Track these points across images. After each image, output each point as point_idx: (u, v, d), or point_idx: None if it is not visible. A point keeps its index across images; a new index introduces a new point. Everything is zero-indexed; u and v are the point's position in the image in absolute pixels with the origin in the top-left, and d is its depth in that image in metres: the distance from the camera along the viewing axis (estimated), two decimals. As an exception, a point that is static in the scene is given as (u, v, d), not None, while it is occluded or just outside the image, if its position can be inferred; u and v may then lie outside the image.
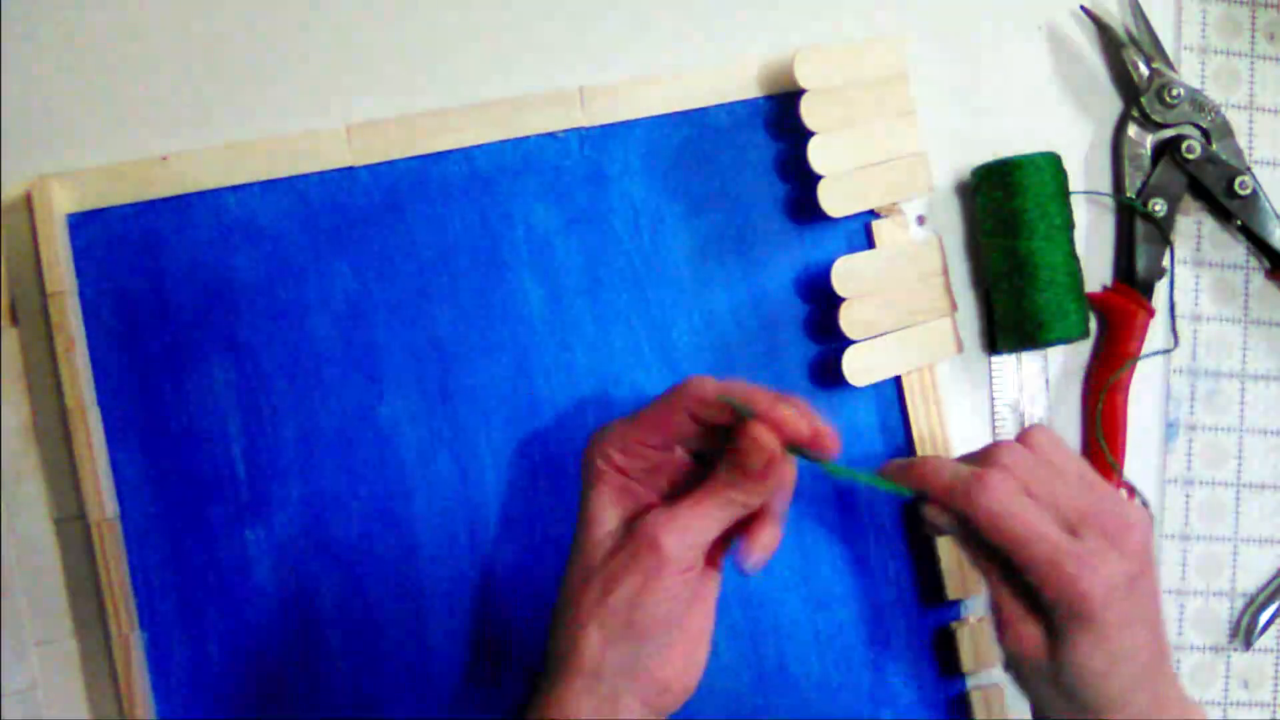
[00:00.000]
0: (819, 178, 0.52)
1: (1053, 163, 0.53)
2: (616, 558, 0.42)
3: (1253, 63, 0.57)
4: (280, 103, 0.54)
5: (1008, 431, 0.55)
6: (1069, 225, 0.53)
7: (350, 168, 0.53)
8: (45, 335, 0.51)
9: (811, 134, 0.52)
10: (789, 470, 0.42)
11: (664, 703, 0.43)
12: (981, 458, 0.45)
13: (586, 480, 0.44)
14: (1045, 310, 0.52)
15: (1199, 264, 0.57)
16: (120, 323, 0.52)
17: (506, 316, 0.53)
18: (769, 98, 0.54)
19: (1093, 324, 0.54)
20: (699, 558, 0.42)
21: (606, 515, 0.43)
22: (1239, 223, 0.56)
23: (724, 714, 0.53)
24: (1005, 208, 0.53)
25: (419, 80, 0.54)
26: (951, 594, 0.53)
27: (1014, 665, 0.44)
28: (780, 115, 0.54)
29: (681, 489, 0.44)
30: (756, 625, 0.53)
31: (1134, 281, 0.55)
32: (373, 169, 0.53)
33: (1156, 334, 0.56)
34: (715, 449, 0.43)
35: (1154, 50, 0.55)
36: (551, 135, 0.54)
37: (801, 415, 0.41)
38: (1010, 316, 0.53)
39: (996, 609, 0.44)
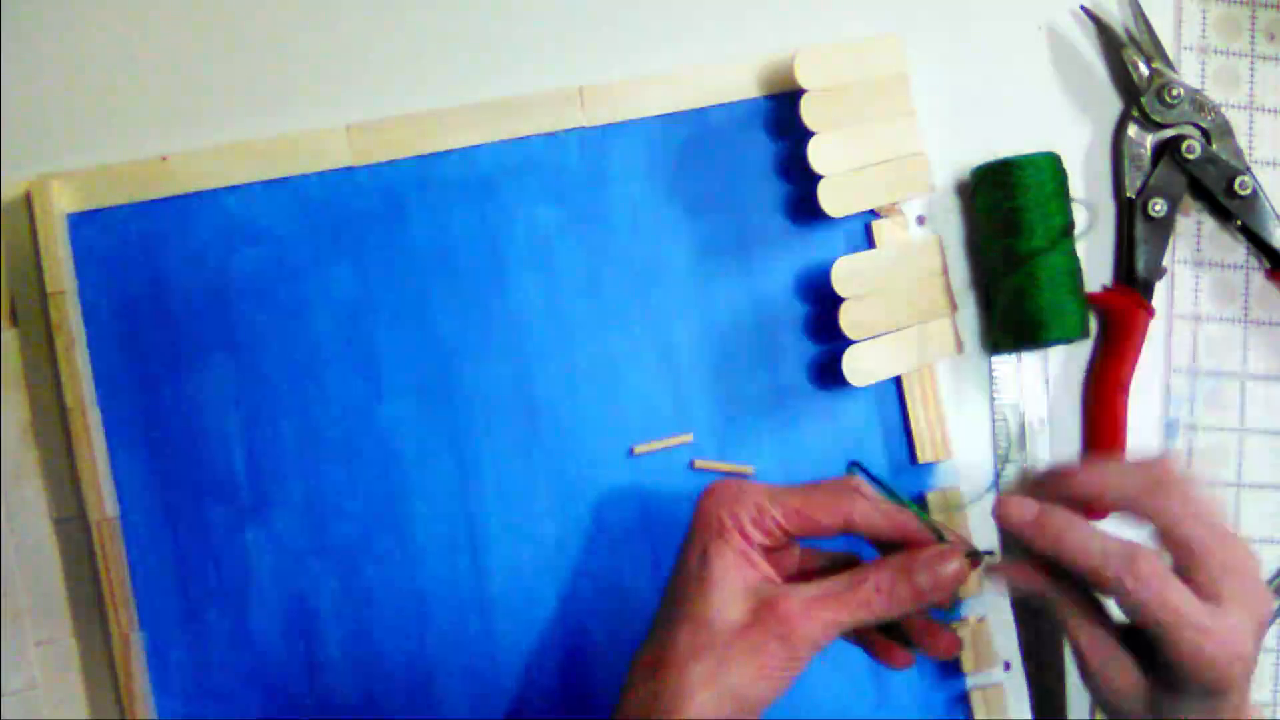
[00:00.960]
0: (819, 178, 0.52)
1: (1052, 163, 0.53)
2: (745, 635, 0.39)
3: (1253, 63, 0.57)
4: (280, 103, 0.54)
5: (1007, 432, 0.55)
6: (1068, 225, 0.53)
7: (350, 168, 0.53)
8: (45, 335, 0.51)
9: (811, 134, 0.52)
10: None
11: None
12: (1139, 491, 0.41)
13: (707, 532, 0.41)
14: (1045, 311, 0.52)
15: (1199, 264, 0.57)
16: (120, 323, 0.52)
17: (506, 316, 0.53)
18: (769, 98, 0.54)
19: (1093, 324, 0.54)
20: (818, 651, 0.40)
21: (731, 578, 0.40)
22: (1239, 223, 0.56)
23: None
24: (1004, 208, 0.53)
25: (419, 80, 0.54)
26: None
27: (1105, 702, 0.41)
28: (780, 115, 0.54)
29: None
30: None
31: (1134, 281, 0.55)
32: (373, 169, 0.53)
33: (1157, 334, 0.56)
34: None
35: (1154, 50, 0.55)
36: (551, 135, 0.54)
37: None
38: (1009, 317, 0.53)
39: (1084, 650, 0.41)
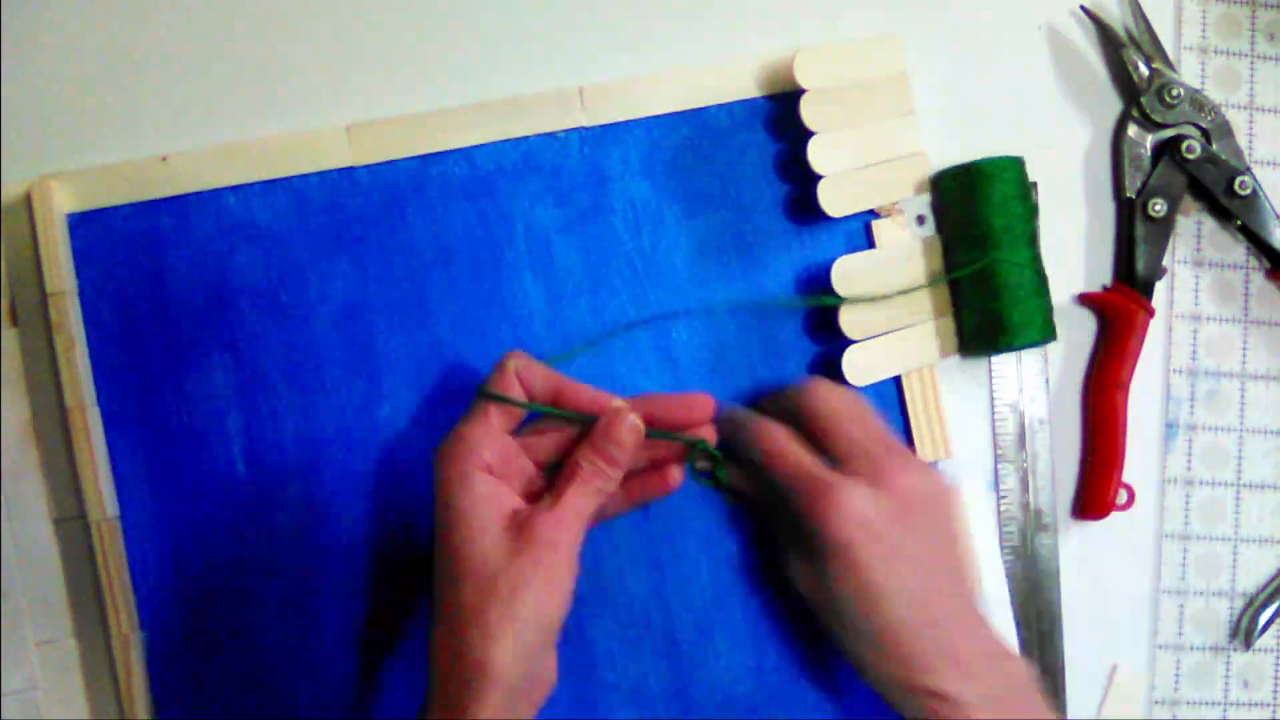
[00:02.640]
0: (819, 178, 0.52)
1: (1016, 166, 0.52)
2: (516, 563, 0.42)
3: (1253, 63, 0.57)
4: (280, 103, 0.54)
5: (1008, 431, 0.55)
6: (1032, 230, 0.52)
7: (350, 168, 0.53)
8: (45, 335, 0.51)
9: (811, 134, 0.52)
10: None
11: (542, 700, 0.44)
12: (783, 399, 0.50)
13: (451, 494, 0.44)
14: (1010, 318, 0.52)
15: (1199, 264, 0.57)
16: (120, 323, 0.52)
17: (506, 316, 0.53)
18: (769, 98, 0.54)
19: (1059, 327, 0.54)
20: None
21: (485, 525, 0.43)
22: (1239, 223, 0.56)
23: (724, 714, 0.53)
24: (967, 213, 0.52)
25: (419, 80, 0.54)
26: (951, 594, 0.53)
27: (803, 599, 0.48)
28: (780, 115, 0.54)
29: (524, 480, 0.47)
30: (756, 627, 0.53)
31: (1134, 281, 0.55)
32: (373, 169, 0.53)
33: (1157, 334, 0.56)
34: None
35: (1154, 50, 0.55)
36: (551, 135, 0.54)
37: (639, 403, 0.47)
38: (975, 323, 0.53)
39: (777, 544, 0.50)
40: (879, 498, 0.45)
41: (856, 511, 0.44)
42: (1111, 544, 0.56)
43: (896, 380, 0.54)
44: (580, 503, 0.45)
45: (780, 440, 0.47)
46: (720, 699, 0.53)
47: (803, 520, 0.45)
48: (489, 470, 0.45)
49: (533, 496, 0.46)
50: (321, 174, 0.53)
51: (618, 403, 0.47)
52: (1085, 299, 0.56)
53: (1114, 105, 0.57)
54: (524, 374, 0.46)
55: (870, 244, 0.54)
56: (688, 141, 0.54)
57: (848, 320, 0.52)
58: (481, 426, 0.45)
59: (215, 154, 0.53)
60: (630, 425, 0.46)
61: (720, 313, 0.54)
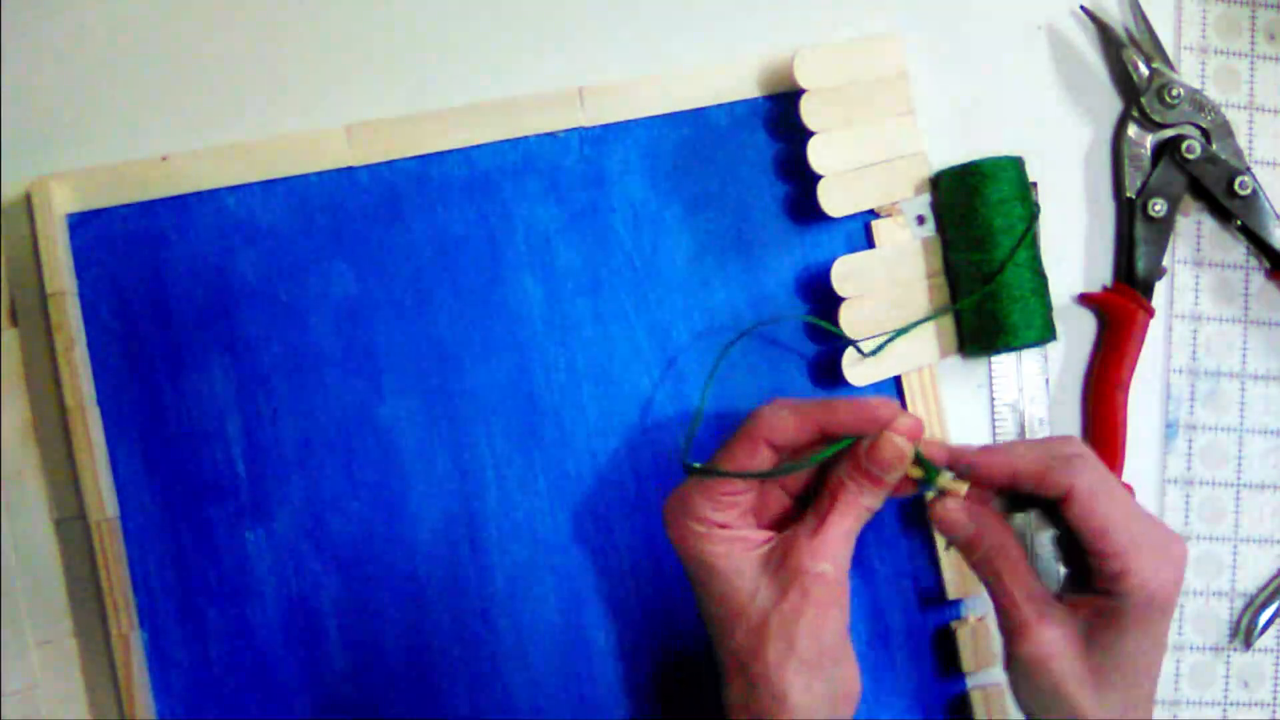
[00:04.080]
0: (819, 178, 0.52)
1: (1015, 166, 0.52)
2: (786, 601, 0.42)
3: (1253, 63, 0.57)
4: (280, 103, 0.54)
5: (1008, 431, 0.55)
6: (1032, 230, 0.52)
7: (350, 168, 0.53)
8: (45, 335, 0.51)
9: (811, 134, 0.52)
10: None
11: (852, 711, 0.43)
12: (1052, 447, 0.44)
13: (692, 549, 0.43)
14: (1010, 318, 0.52)
15: (1199, 264, 0.57)
16: (120, 323, 0.52)
17: (506, 316, 0.53)
18: (769, 98, 0.54)
19: (1059, 327, 0.54)
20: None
21: (739, 568, 0.42)
22: (1239, 223, 0.56)
23: (724, 714, 0.53)
24: (967, 213, 0.52)
25: (419, 80, 0.54)
26: (951, 594, 0.53)
27: (1023, 669, 0.43)
28: (780, 115, 0.54)
29: (777, 511, 0.45)
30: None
31: (1134, 281, 0.55)
32: (373, 169, 0.53)
33: (1157, 334, 0.56)
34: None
35: (1154, 50, 0.55)
36: (551, 135, 0.54)
37: (908, 418, 0.43)
38: (975, 323, 0.53)
39: (1010, 610, 0.43)
40: (1175, 569, 0.42)
41: (1176, 580, 0.42)
42: (1111, 544, 0.56)
43: (896, 380, 0.54)
44: (846, 524, 0.43)
45: (1106, 479, 0.42)
46: (720, 699, 0.53)
47: (1121, 577, 0.41)
48: (723, 525, 0.43)
49: (785, 521, 0.45)
50: (321, 174, 0.53)
51: (884, 411, 0.43)
52: (1085, 299, 0.56)
53: (1114, 105, 0.57)
54: (776, 430, 0.43)
55: (870, 244, 0.54)
56: (688, 141, 0.54)
57: (848, 320, 0.52)
58: (704, 492, 0.43)
59: (215, 154, 0.53)
60: (896, 449, 0.43)
61: (723, 315, 0.54)
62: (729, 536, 0.43)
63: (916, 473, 0.43)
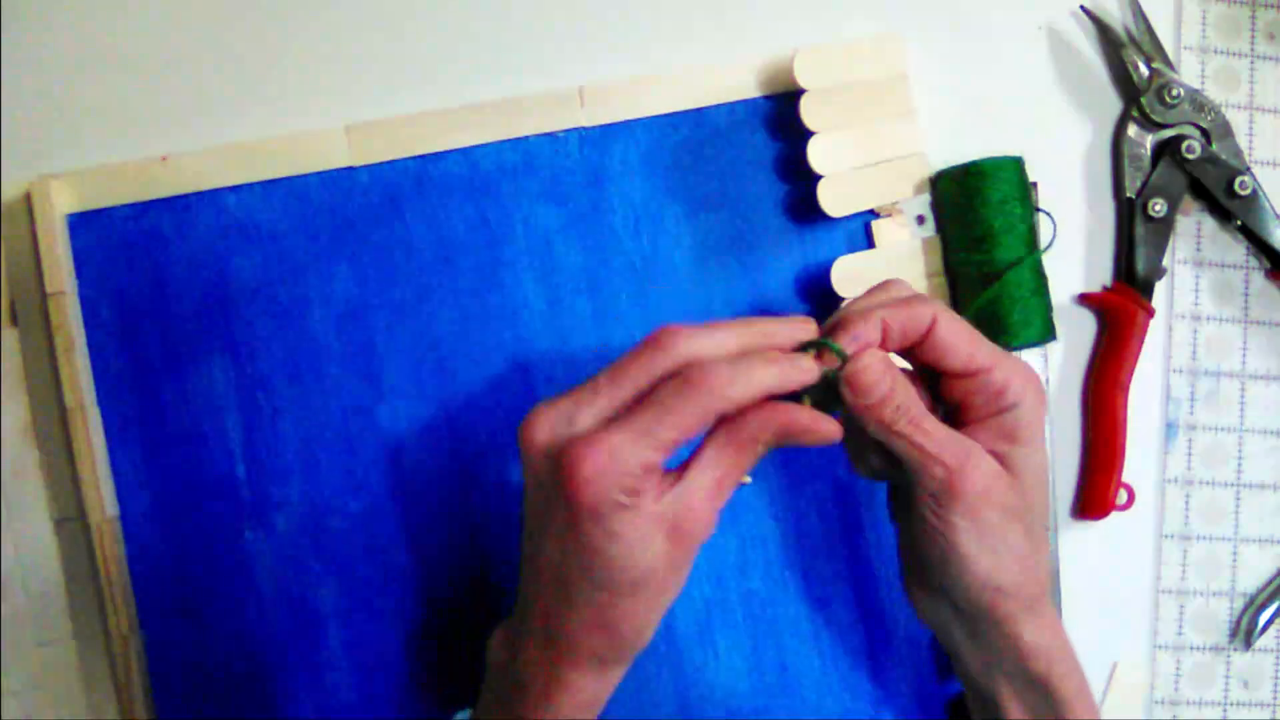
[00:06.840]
0: (819, 178, 0.52)
1: (1015, 166, 0.52)
2: (671, 560, 0.39)
3: (1253, 63, 0.57)
4: (280, 103, 0.54)
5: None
6: (1032, 229, 0.52)
7: (350, 168, 0.53)
8: (45, 335, 0.51)
9: (811, 134, 0.52)
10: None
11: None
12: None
13: (608, 514, 0.38)
14: (1010, 318, 0.52)
15: (1199, 264, 0.57)
16: (120, 323, 0.52)
17: (506, 316, 0.53)
18: (769, 98, 0.54)
19: (1059, 327, 0.54)
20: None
21: (641, 534, 0.39)
22: (1239, 223, 0.56)
23: (724, 714, 0.53)
24: (967, 213, 0.52)
25: (419, 80, 0.54)
26: (951, 594, 0.53)
27: (967, 509, 0.41)
28: (780, 115, 0.54)
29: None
30: (756, 625, 0.53)
31: (1134, 281, 0.55)
32: (373, 169, 0.53)
33: (1157, 334, 0.56)
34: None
35: (1154, 50, 0.55)
36: (551, 135, 0.54)
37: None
38: (975, 323, 0.52)
39: (938, 456, 0.41)
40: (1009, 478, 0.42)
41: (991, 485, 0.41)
42: (1111, 544, 0.56)
43: (896, 380, 0.54)
44: (717, 471, 0.40)
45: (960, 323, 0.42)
46: (720, 698, 0.53)
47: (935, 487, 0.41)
48: (641, 491, 0.39)
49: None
50: (321, 174, 0.53)
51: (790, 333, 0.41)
52: (1085, 299, 0.56)
53: (1114, 105, 0.57)
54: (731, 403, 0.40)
55: (870, 244, 0.54)
56: (688, 141, 0.54)
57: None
58: (646, 440, 0.38)
59: (215, 154, 0.53)
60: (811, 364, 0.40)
61: (723, 315, 0.54)
62: (636, 508, 0.38)
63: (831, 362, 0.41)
